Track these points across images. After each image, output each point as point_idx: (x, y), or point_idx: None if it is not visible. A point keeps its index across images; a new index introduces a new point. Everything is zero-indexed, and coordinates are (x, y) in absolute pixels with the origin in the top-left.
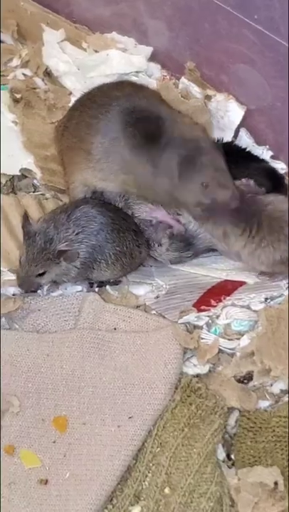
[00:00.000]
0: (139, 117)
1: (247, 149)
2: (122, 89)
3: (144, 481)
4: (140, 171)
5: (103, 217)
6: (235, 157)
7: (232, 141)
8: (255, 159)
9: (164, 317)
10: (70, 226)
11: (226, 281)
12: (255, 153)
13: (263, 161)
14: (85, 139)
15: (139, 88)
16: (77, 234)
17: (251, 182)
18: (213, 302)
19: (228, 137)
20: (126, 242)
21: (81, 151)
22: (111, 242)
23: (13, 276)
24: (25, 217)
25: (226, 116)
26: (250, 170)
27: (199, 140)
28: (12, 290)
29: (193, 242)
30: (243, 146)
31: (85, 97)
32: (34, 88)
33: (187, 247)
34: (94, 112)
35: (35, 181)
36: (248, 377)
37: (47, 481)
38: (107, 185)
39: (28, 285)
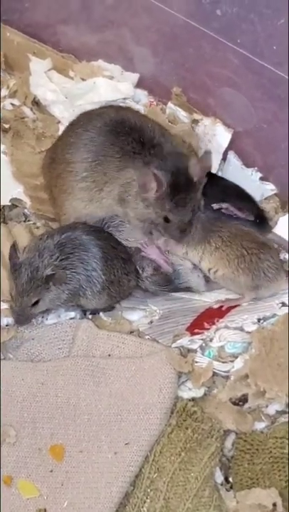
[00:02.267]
0: (128, 127)
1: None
2: (104, 108)
3: (142, 507)
4: (125, 185)
5: (90, 245)
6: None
7: None
8: (226, 181)
9: (157, 342)
10: (54, 252)
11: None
12: (243, 175)
13: (232, 183)
14: (70, 159)
15: (121, 107)
16: (61, 260)
17: (230, 206)
18: (206, 325)
19: (216, 160)
20: (114, 271)
21: (67, 173)
22: (98, 270)
23: (5, 306)
24: (13, 250)
25: (214, 140)
26: (222, 189)
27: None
28: (5, 320)
29: (174, 280)
30: (231, 169)
31: (68, 125)
32: (23, 118)
33: (166, 284)
34: (77, 130)
35: (25, 210)
36: (244, 399)
37: (45, 510)
38: (94, 207)
39: (26, 318)
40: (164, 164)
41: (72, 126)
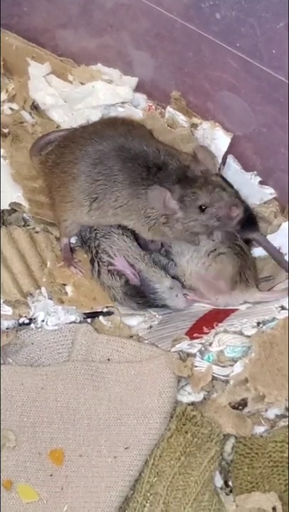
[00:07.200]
0: (133, 153)
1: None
2: (115, 127)
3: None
4: (140, 208)
5: None
6: None
7: None
8: None
9: (157, 346)
10: None
11: (218, 308)
12: (243, 179)
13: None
14: (80, 178)
15: (132, 126)
16: None
17: None
18: (205, 329)
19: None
20: None
21: (75, 189)
22: None
23: (5, 309)
24: None
25: (213, 144)
26: None
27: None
28: (6, 324)
29: (149, 295)
30: (230, 173)
31: (78, 134)
32: (21, 122)
33: (138, 296)
34: (88, 150)
35: (24, 215)
36: (243, 403)
37: None
38: (102, 222)
39: None
40: (167, 177)
41: (80, 140)
